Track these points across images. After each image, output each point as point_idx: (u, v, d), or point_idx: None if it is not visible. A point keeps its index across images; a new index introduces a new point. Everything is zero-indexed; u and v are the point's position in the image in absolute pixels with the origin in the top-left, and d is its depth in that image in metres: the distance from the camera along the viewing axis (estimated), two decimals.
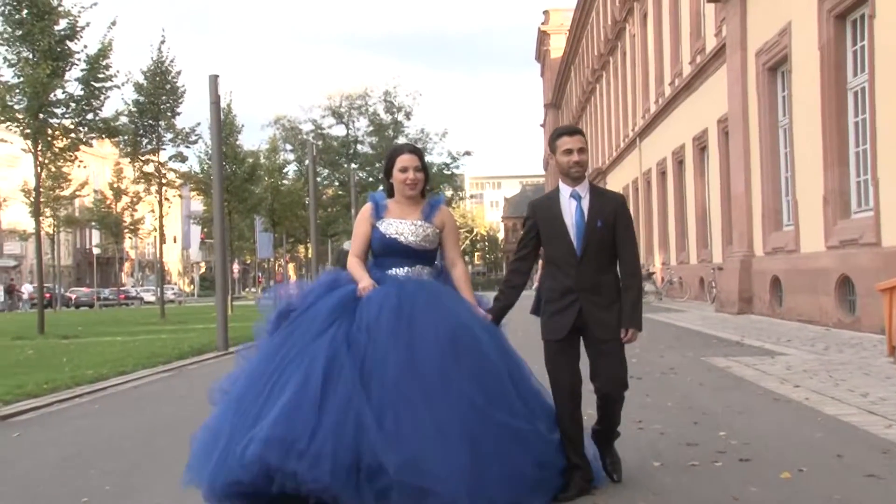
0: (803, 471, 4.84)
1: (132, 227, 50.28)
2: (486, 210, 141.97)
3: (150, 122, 26.21)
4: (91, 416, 8.12)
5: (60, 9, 19.01)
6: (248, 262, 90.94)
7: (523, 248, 4.72)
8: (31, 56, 18.67)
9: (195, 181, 33.84)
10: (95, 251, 67.64)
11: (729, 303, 19.78)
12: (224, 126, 22.88)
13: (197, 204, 44.89)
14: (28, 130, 19.01)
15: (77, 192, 44.14)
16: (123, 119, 24.65)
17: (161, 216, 27.49)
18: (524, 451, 4.06)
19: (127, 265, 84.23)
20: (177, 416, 7.76)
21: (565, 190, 4.59)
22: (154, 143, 26.62)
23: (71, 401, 9.04)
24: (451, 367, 4.01)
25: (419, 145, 65.91)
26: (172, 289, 68.07)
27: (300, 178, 52.24)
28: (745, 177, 19.40)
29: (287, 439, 3.75)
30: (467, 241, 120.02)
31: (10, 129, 19.94)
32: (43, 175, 21.00)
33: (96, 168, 62.69)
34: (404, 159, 4.61)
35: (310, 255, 45.56)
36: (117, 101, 42.70)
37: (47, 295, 28.12)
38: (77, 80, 19.51)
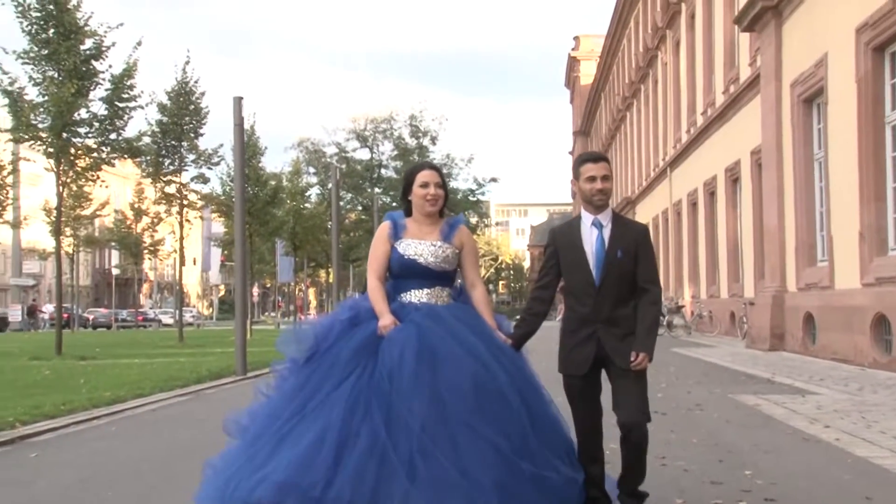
0: None
1: (152, 248, 50.74)
2: (511, 238, 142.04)
3: (173, 142, 26.56)
4: (108, 438, 8.23)
5: (87, 28, 19.33)
6: (268, 285, 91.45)
7: (545, 276, 4.69)
8: (56, 75, 18.98)
9: (217, 203, 34.18)
10: (115, 272, 68.29)
11: (760, 339, 19.68)
12: (247, 148, 23.16)
13: (218, 226, 45.31)
14: (51, 149, 19.30)
15: (98, 212, 44.62)
16: (146, 139, 24.97)
17: (182, 237, 27.73)
18: (549, 499, 4.02)
19: (145, 286, 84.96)
20: (194, 440, 7.87)
21: (587, 218, 4.58)
22: (176, 163, 26.95)
23: (88, 422, 9.16)
24: (475, 413, 3.97)
25: (445, 170, 66.34)
26: (191, 311, 68.58)
27: (323, 202, 52.57)
28: (778, 210, 19.36)
29: (301, 486, 3.75)
30: (492, 269, 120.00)
31: (34, 148, 20.24)
32: (64, 194, 21.25)
33: (117, 188, 63.44)
34: (425, 175, 4.59)
35: (331, 280, 45.76)
36: (140, 122, 43.42)
37: (65, 315, 28.37)
38: (101, 99, 19.81)
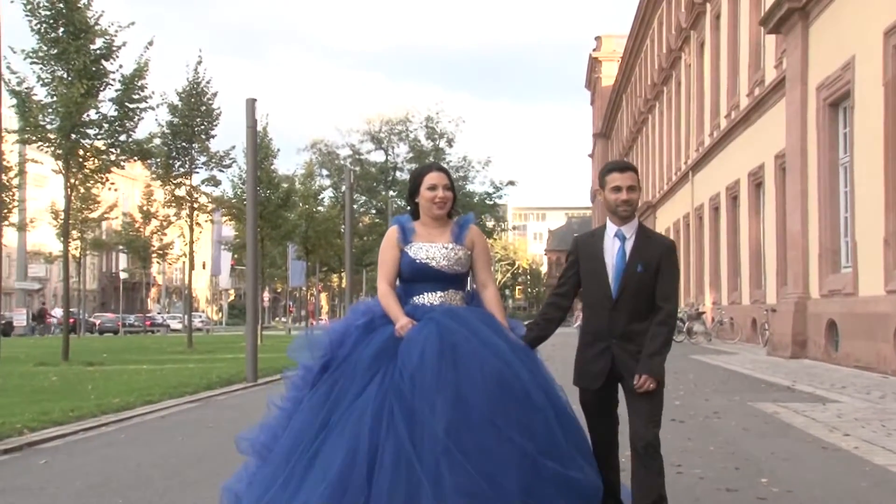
0: None
1: (161, 252, 51.02)
2: (528, 242, 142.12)
3: (184, 144, 26.71)
4: (117, 444, 8.35)
5: (97, 27, 19.46)
6: (279, 290, 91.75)
7: (563, 284, 4.69)
8: (65, 75, 19.12)
9: (228, 206, 34.35)
10: (122, 276, 68.69)
11: (782, 346, 19.72)
12: (259, 150, 23.35)
13: (228, 229, 45.51)
14: (59, 151, 19.45)
15: (105, 215, 44.88)
16: (157, 141, 25.14)
17: (192, 241, 27.89)
18: (573, 500, 4.02)
19: (153, 291, 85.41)
20: (205, 447, 8.01)
21: (611, 228, 4.55)
22: (187, 166, 27.11)
23: (97, 429, 9.27)
24: (500, 413, 3.95)
25: (461, 173, 67.08)
26: (200, 316, 68.83)
27: (336, 205, 52.76)
28: (801, 215, 19.40)
29: None
30: (508, 275, 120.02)
31: (42, 150, 20.35)
32: (72, 197, 21.42)
33: (126, 190, 63.90)
34: (433, 177, 4.56)
35: (344, 285, 45.93)
36: (151, 123, 43.62)
37: (71, 320, 28.57)
38: (111, 100, 19.98)
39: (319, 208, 48.91)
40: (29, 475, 6.81)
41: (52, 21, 19.08)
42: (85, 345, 31.75)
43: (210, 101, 27.11)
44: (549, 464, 3.94)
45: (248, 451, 4.31)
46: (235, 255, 53.46)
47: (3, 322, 46.43)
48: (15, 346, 29.51)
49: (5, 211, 30.65)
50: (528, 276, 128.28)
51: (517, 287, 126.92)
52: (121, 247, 56.78)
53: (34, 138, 19.71)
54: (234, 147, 29.23)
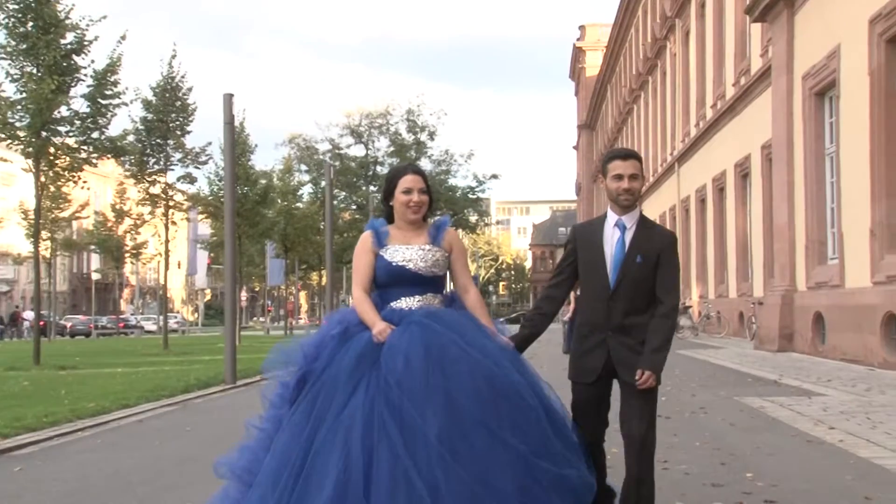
0: None
1: (134, 252, 50.85)
2: (512, 237, 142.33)
3: (158, 140, 26.68)
4: (94, 450, 8.38)
5: (68, 22, 19.38)
6: (257, 289, 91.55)
7: (559, 275, 4.68)
8: (35, 71, 19.02)
9: (204, 203, 34.30)
10: (94, 276, 68.38)
11: (769, 339, 19.93)
12: (236, 145, 23.32)
13: (204, 227, 45.45)
14: (29, 149, 19.33)
15: (77, 214, 44.65)
16: (130, 138, 25.07)
17: (167, 240, 27.84)
18: (568, 499, 4.03)
19: (127, 292, 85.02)
20: (184, 451, 8.07)
21: (612, 218, 4.54)
22: (162, 163, 27.07)
23: (72, 434, 9.31)
24: (492, 415, 3.93)
25: (444, 167, 67.08)
26: (175, 317, 68.65)
27: (315, 201, 52.79)
28: (788, 206, 19.61)
29: None
30: (492, 270, 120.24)
31: (11, 148, 20.24)
32: (42, 195, 21.33)
33: (98, 188, 63.54)
34: (408, 180, 4.51)
35: (324, 283, 45.90)
36: (124, 119, 43.40)
37: (41, 322, 28.48)
38: (83, 96, 19.92)
39: (298, 205, 48.95)
40: (4, 483, 6.83)
41: (20, 15, 18.99)
42: (57, 348, 31.67)
43: (185, 96, 27.12)
44: (543, 463, 3.94)
45: (227, 476, 4.23)
46: (212, 254, 53.36)
47: None
48: None
49: None
50: (513, 272, 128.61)
51: (501, 283, 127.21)
52: (93, 246, 56.49)
53: (3, 136, 19.65)
54: (210, 143, 29.26)
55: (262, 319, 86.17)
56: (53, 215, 40.30)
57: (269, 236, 41.60)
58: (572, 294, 4.80)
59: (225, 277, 16.63)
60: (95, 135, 20.42)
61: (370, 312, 4.32)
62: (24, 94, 18.98)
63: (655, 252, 4.45)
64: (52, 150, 19.85)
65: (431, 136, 68.28)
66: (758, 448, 7.30)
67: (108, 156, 21.82)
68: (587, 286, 4.56)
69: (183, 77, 27.10)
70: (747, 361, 17.00)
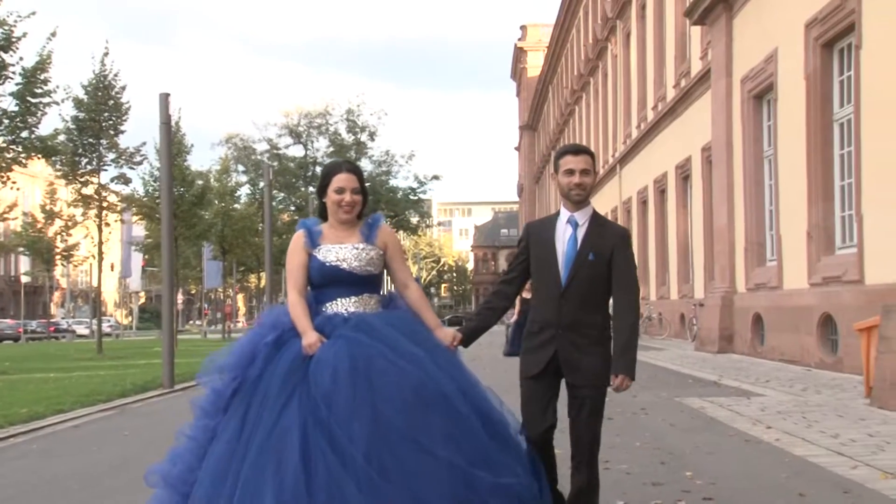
0: None
1: (65, 254, 50.05)
2: (454, 238, 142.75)
3: (91, 140, 26.30)
4: (30, 456, 8.34)
5: None
6: (194, 292, 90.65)
7: (511, 272, 4.70)
8: None
9: (139, 204, 33.91)
10: (24, 279, 67.25)
11: (709, 341, 20.34)
12: (172, 145, 23.12)
13: (139, 229, 44.93)
14: None
15: (5, 215, 43.81)
16: (61, 137, 24.71)
17: (101, 242, 27.48)
18: None
19: (57, 295, 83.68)
20: (123, 456, 8.07)
21: (564, 214, 4.56)
22: (94, 163, 26.70)
23: (5, 441, 9.24)
24: (421, 428, 3.92)
25: (384, 168, 67.01)
26: (109, 321, 67.70)
27: (253, 203, 52.43)
28: (728, 209, 20.02)
29: None
30: (434, 272, 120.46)
31: None
32: None
33: (27, 188, 62.46)
34: (341, 179, 4.48)
35: (262, 286, 45.62)
36: (55, 118, 42.62)
37: None
38: (11, 94, 19.59)
39: (236, 206, 48.54)
40: None
41: None
42: None
43: (118, 95, 26.71)
44: (481, 474, 3.93)
45: (159, 484, 4.18)
46: (146, 256, 52.76)
47: None
48: None
49: None
50: (454, 274, 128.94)
51: (443, 284, 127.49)
52: (21, 248, 55.53)
53: None
54: (145, 143, 28.92)
55: (198, 323, 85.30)
56: None
57: (207, 238, 41.24)
58: (518, 297, 4.83)
59: (163, 280, 16.52)
60: (25, 134, 20.08)
61: (303, 319, 4.29)
62: None
63: (608, 249, 4.46)
64: None
65: (372, 136, 68.07)
66: (697, 447, 7.54)
67: (38, 156, 21.47)
68: (539, 284, 4.59)
69: (116, 75, 26.76)
70: (688, 363, 17.37)
